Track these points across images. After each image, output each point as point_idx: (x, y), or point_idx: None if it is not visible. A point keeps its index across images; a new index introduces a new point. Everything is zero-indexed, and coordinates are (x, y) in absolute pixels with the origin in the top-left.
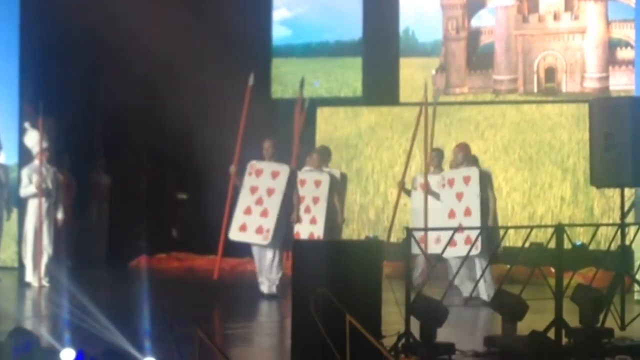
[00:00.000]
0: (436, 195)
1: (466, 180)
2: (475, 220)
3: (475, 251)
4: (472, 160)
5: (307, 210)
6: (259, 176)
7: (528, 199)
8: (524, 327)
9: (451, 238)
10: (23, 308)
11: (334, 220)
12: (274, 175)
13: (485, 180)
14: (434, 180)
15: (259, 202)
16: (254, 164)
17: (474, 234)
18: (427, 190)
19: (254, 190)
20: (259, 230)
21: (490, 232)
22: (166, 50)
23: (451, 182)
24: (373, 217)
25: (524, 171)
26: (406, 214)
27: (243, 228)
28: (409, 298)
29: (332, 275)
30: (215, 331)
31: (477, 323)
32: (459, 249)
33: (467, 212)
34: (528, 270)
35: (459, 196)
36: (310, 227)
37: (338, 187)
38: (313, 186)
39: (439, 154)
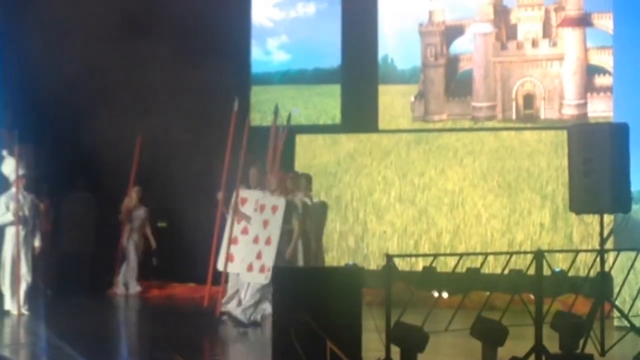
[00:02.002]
0: (247, 218)
1: (274, 209)
2: (273, 249)
3: (265, 280)
4: (286, 190)
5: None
6: (244, 204)
7: (507, 226)
8: (504, 353)
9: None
10: (2, 336)
11: (307, 247)
12: (274, 209)
13: (291, 210)
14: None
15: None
16: (240, 193)
17: (268, 262)
18: (236, 211)
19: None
20: (262, 269)
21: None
22: (145, 76)
23: (262, 208)
24: (352, 245)
25: (502, 198)
26: (386, 241)
27: (250, 268)
28: (389, 324)
29: (312, 302)
30: (196, 359)
31: (458, 349)
32: (254, 275)
33: (268, 241)
34: (507, 296)
35: (265, 223)
36: None
37: (315, 214)
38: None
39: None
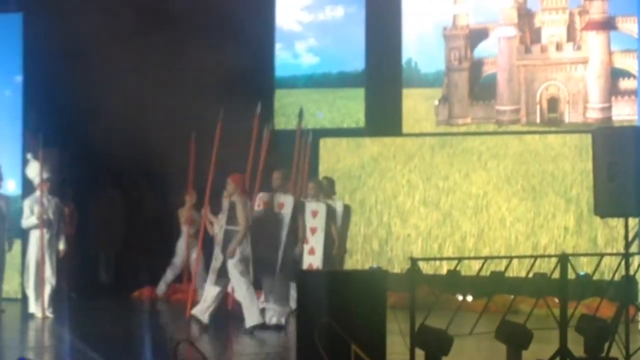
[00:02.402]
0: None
1: (223, 211)
2: (219, 249)
3: (210, 282)
4: (242, 192)
5: (305, 240)
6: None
7: (531, 229)
8: (528, 357)
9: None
10: (26, 339)
11: (330, 250)
12: (280, 206)
13: (235, 211)
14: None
15: None
16: (261, 196)
17: (215, 263)
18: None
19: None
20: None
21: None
22: (166, 81)
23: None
24: (377, 248)
25: (527, 201)
26: (410, 245)
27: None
28: (414, 327)
29: (336, 305)
30: None
31: (483, 352)
32: (209, 275)
33: (218, 241)
34: (532, 300)
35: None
36: (308, 258)
37: (338, 218)
38: (310, 216)
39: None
